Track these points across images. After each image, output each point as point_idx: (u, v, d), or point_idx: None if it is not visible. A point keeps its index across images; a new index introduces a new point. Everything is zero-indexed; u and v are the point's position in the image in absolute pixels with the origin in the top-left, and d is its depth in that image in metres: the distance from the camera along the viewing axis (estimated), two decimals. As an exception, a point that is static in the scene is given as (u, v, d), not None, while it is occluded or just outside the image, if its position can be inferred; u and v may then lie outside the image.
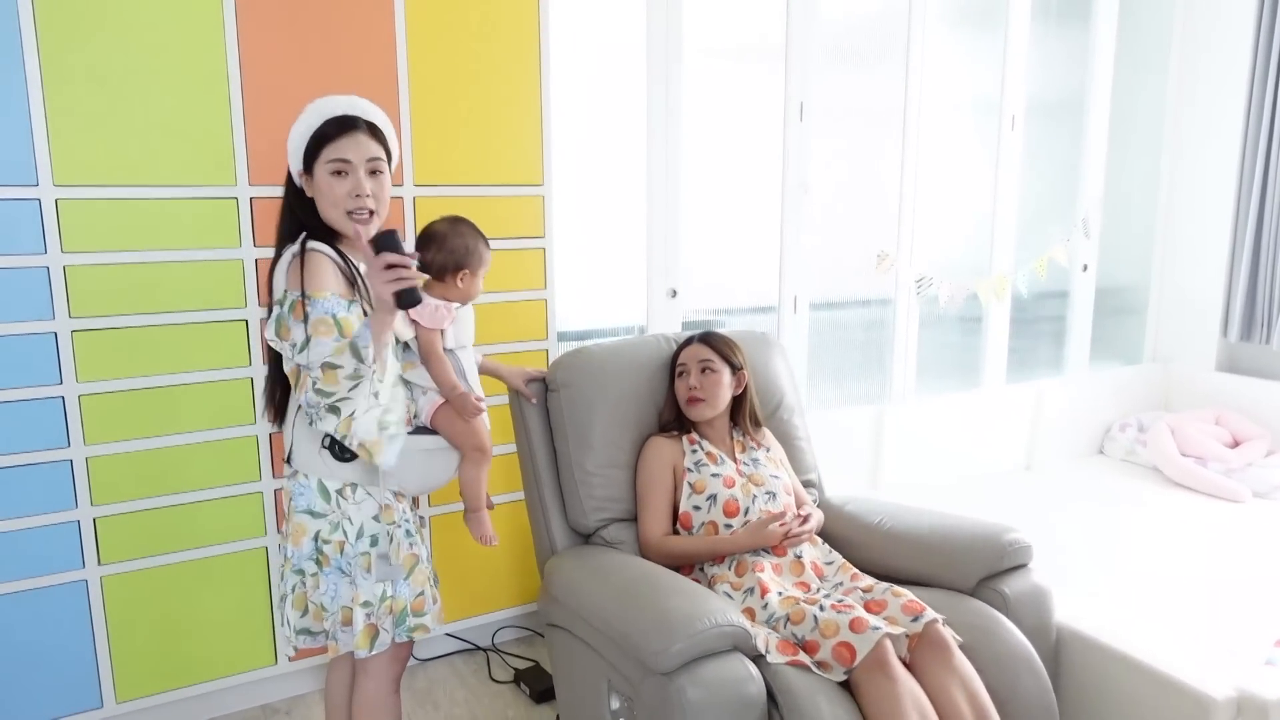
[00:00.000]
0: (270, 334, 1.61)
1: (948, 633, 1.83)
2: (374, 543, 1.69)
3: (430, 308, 1.77)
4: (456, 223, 1.89)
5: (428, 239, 1.87)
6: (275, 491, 2.40)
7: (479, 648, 2.81)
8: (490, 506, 1.91)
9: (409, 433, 1.73)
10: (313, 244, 1.63)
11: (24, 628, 2.15)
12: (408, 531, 1.74)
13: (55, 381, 2.11)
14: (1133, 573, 2.53)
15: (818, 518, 2.23)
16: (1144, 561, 2.61)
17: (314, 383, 1.55)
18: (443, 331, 1.80)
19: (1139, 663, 1.99)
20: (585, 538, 2.22)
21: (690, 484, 2.14)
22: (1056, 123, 3.78)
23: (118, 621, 2.26)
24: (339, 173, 1.64)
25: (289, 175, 1.71)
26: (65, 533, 2.16)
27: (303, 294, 1.57)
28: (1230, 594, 2.38)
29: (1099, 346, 4.00)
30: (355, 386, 1.55)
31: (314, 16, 2.30)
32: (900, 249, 3.39)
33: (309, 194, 1.69)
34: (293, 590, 1.72)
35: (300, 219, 1.69)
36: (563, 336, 2.85)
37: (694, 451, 2.19)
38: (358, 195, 1.64)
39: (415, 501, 1.88)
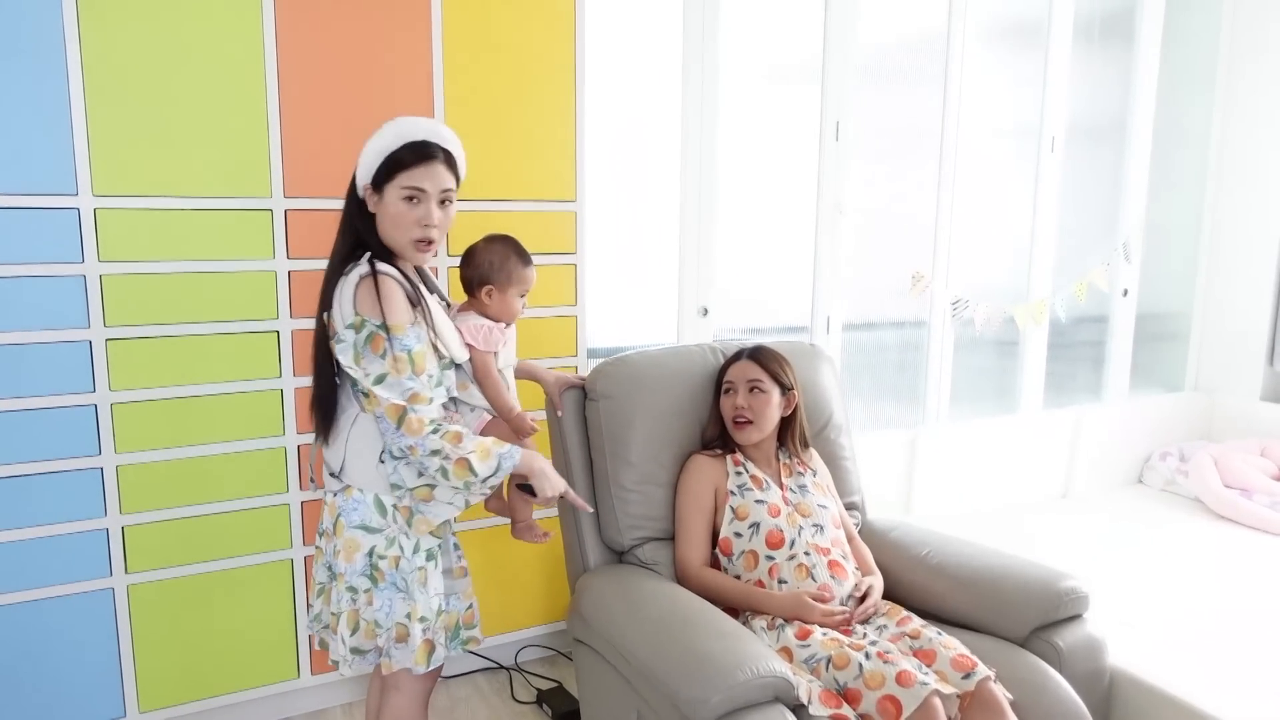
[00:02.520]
0: (348, 361, 1.59)
1: (1000, 691, 1.74)
2: (429, 557, 1.69)
3: (484, 330, 1.80)
4: (492, 240, 1.90)
5: (465, 255, 1.90)
6: (302, 504, 2.39)
7: (502, 666, 2.77)
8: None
9: None
10: (382, 267, 1.62)
11: (50, 635, 2.16)
12: (455, 544, 1.81)
13: (88, 389, 2.12)
14: (1177, 608, 2.44)
15: (877, 592, 2.06)
16: (1188, 596, 2.53)
17: (431, 434, 1.57)
18: (496, 353, 1.82)
19: (1193, 708, 1.91)
20: (619, 555, 2.17)
21: (733, 509, 2.06)
22: (1098, 145, 3.71)
23: (143, 631, 2.25)
24: (411, 199, 1.63)
25: (352, 186, 1.69)
26: (93, 540, 2.17)
27: (383, 326, 1.57)
28: (1277, 632, 2.30)
29: (1139, 373, 3.91)
30: (460, 493, 1.65)
31: (352, 32, 2.31)
32: (936, 270, 3.34)
33: (371, 209, 1.67)
34: (344, 609, 1.68)
35: (359, 232, 1.67)
36: (593, 353, 2.83)
37: (738, 474, 2.10)
38: (425, 224, 1.64)
39: None
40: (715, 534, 2.10)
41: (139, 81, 2.11)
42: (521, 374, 2.07)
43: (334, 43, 2.30)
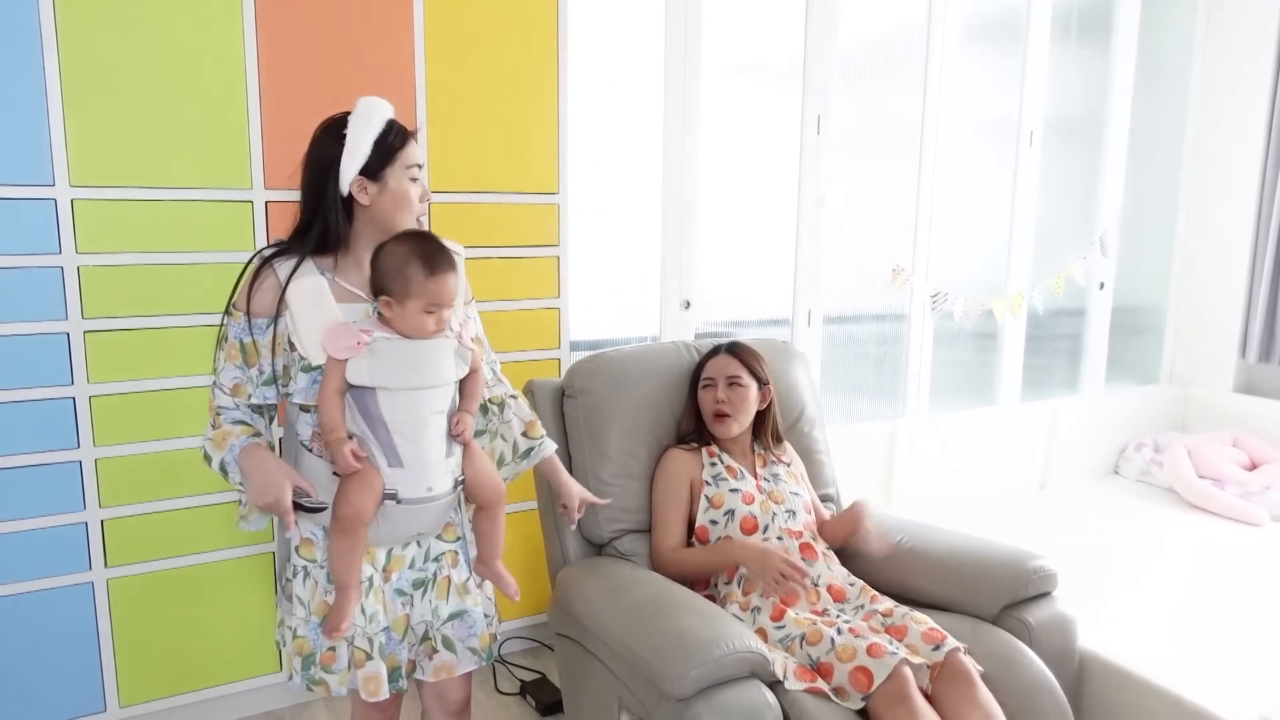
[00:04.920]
0: (215, 353, 1.57)
1: (970, 662, 1.79)
2: (294, 573, 1.56)
3: (342, 332, 1.44)
4: (402, 237, 1.50)
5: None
6: (284, 497, 2.38)
7: (485, 659, 2.77)
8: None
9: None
10: (266, 255, 1.53)
11: (29, 629, 2.14)
12: (329, 576, 1.51)
13: (66, 382, 2.10)
14: (1150, 596, 2.49)
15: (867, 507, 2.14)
16: (1162, 585, 2.57)
17: (210, 423, 1.52)
18: (344, 360, 1.43)
19: (1164, 691, 1.95)
20: (599, 548, 2.19)
21: (708, 498, 2.11)
22: (1075, 140, 3.75)
23: (123, 625, 2.24)
24: (415, 179, 1.56)
25: (312, 181, 1.52)
26: (73, 534, 2.15)
27: (228, 309, 1.52)
28: (1249, 619, 2.34)
29: (1115, 366, 3.96)
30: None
31: (333, 22, 2.30)
32: (915, 264, 3.37)
33: (365, 201, 1.50)
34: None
35: (326, 227, 1.50)
36: (575, 346, 2.83)
37: (713, 465, 2.14)
38: (425, 199, 1.59)
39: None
40: (691, 525, 2.13)
41: (117, 70, 2.08)
42: (544, 469, 1.82)
43: (315, 33, 2.28)
